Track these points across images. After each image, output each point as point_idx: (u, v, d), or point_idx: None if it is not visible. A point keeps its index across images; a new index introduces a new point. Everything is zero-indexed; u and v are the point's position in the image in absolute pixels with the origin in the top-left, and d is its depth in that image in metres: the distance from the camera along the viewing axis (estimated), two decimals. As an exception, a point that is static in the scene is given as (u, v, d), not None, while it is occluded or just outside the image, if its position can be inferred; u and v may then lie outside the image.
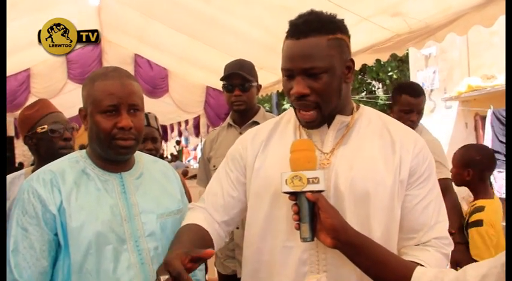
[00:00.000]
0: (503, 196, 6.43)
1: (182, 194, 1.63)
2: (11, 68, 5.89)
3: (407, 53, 9.45)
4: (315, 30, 1.24)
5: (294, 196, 1.20)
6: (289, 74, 1.29)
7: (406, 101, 2.67)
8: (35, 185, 1.38)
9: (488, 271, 0.94)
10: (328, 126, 1.35)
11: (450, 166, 2.66)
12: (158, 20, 5.21)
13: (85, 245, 1.35)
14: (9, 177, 2.08)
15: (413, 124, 2.62)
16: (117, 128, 1.39)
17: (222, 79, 2.57)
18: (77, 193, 1.40)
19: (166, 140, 13.13)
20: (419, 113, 2.71)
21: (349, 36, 1.32)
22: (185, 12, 4.67)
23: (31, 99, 6.34)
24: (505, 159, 6.20)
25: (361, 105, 1.44)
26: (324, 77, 1.25)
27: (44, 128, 2.03)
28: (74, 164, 1.47)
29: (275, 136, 1.44)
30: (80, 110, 1.48)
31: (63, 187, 1.39)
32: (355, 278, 1.25)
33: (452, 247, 1.31)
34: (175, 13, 4.83)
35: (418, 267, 1.11)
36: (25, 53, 5.16)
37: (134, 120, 1.41)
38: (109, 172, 1.47)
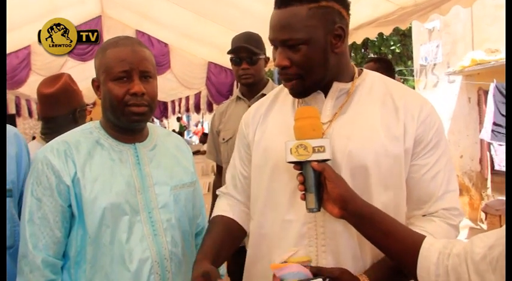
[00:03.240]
0: (503, 169, 6.47)
1: (195, 167, 1.64)
2: (11, 45, 5.83)
3: (410, 27, 9.34)
4: None
5: (299, 165, 1.16)
6: (273, 44, 1.26)
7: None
8: (49, 156, 1.39)
9: (495, 242, 0.94)
10: (326, 95, 1.29)
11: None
12: (159, -6, 5.15)
13: (99, 215, 1.37)
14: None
15: None
16: (130, 94, 1.39)
17: (229, 52, 2.56)
18: (91, 164, 1.41)
19: (167, 117, 13.12)
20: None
21: (341, 2, 1.23)
22: (186, -13, 4.61)
23: (32, 77, 6.30)
24: (506, 132, 6.21)
25: (365, 70, 1.36)
26: (303, 48, 1.20)
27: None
28: (87, 134, 1.48)
29: (275, 107, 1.41)
30: (93, 80, 1.48)
31: (77, 158, 1.40)
32: (353, 252, 1.23)
33: (462, 218, 1.26)
34: (176, -13, 4.76)
35: (427, 237, 1.10)
36: (25, 30, 5.10)
37: (147, 86, 1.41)
38: (123, 142, 1.48)
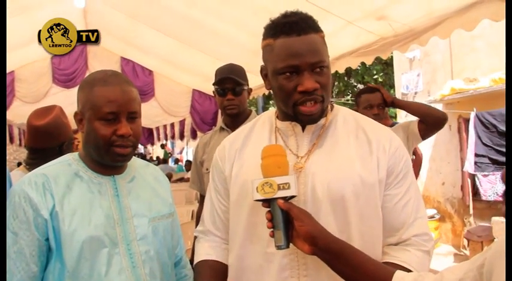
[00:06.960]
0: (489, 198, 6.52)
1: (172, 198, 1.64)
2: (-5, 71, 5.81)
3: (391, 56, 9.54)
4: (311, 27, 1.27)
5: (267, 203, 1.18)
6: (293, 70, 1.25)
7: (365, 99, 3.07)
8: (26, 189, 1.37)
9: (464, 275, 0.96)
10: (303, 129, 1.35)
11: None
12: (144, 23, 5.19)
13: (78, 248, 1.34)
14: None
15: (377, 117, 2.90)
16: (117, 135, 1.39)
17: (214, 84, 2.59)
18: (70, 196, 1.39)
19: (152, 144, 13.08)
20: (379, 106, 3.04)
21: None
22: (172, 16, 4.66)
23: (16, 103, 6.25)
24: (490, 162, 6.30)
25: (335, 105, 1.43)
26: (327, 71, 1.27)
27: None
28: (66, 167, 1.46)
29: (250, 141, 1.43)
30: (76, 113, 1.47)
31: (56, 191, 1.38)
32: None
33: (432, 242, 1.31)
34: (161, 16, 4.82)
35: (397, 272, 1.11)
36: (9, 56, 5.10)
37: (133, 126, 1.42)
38: (102, 174, 1.47)
